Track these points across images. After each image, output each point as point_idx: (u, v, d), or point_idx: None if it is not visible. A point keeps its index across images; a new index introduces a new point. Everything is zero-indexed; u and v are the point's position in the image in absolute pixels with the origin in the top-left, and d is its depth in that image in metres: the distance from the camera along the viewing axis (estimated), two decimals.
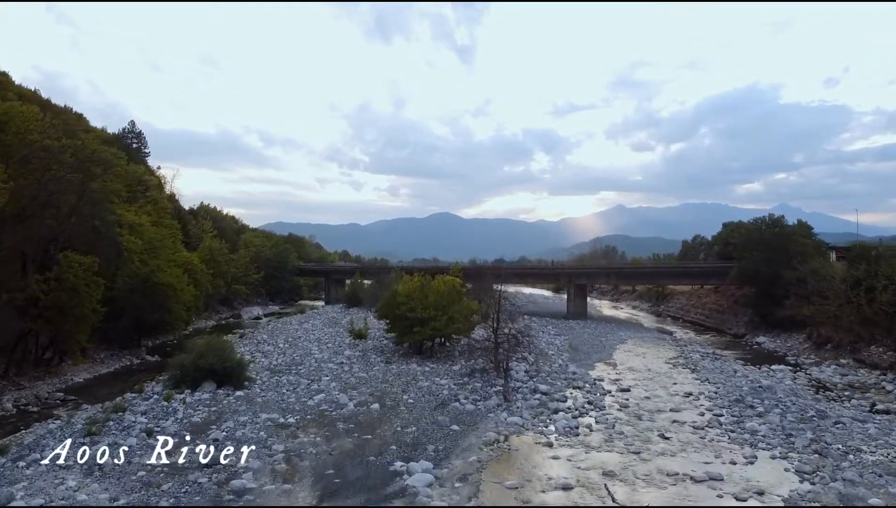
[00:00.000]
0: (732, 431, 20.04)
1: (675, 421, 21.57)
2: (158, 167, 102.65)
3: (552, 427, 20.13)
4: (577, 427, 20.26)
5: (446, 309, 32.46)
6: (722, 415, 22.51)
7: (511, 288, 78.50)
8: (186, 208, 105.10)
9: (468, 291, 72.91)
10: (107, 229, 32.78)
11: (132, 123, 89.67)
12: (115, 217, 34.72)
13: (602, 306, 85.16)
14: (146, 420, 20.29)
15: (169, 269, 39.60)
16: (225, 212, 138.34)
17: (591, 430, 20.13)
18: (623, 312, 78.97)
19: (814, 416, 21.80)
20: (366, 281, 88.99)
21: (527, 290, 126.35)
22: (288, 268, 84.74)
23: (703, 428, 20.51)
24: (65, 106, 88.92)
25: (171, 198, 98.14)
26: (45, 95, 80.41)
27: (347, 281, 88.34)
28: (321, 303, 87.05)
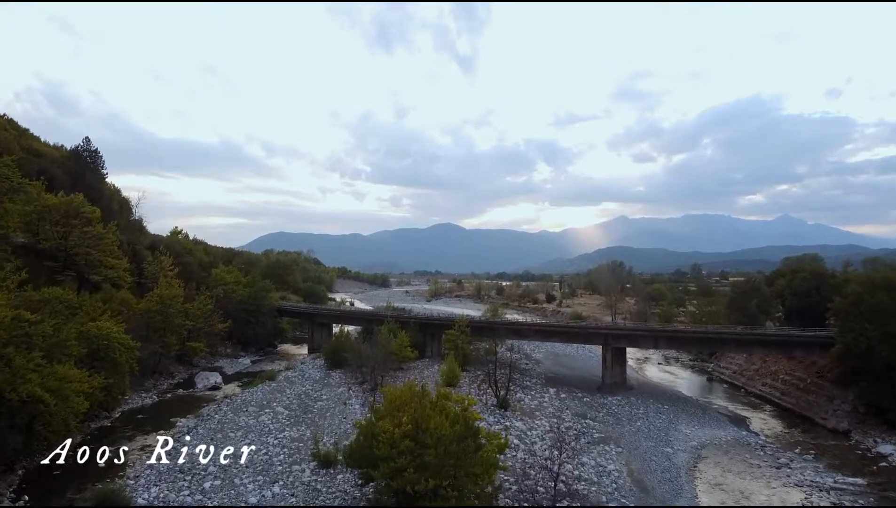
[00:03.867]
0: None
1: None
2: (119, 190, 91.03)
3: None
4: None
5: (455, 465, 19.75)
6: None
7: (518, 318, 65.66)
8: (163, 227, 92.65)
9: (476, 340, 60.59)
10: None
11: (86, 139, 77.46)
12: None
13: (629, 355, 72.04)
14: None
15: (45, 371, 26.87)
16: (198, 238, 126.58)
17: None
18: (659, 368, 66.05)
19: None
20: (354, 327, 76.58)
21: None
22: (264, 311, 71.93)
23: None
24: (3, 115, 77.68)
25: (137, 226, 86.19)
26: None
27: (335, 327, 75.57)
28: (304, 352, 74.16)
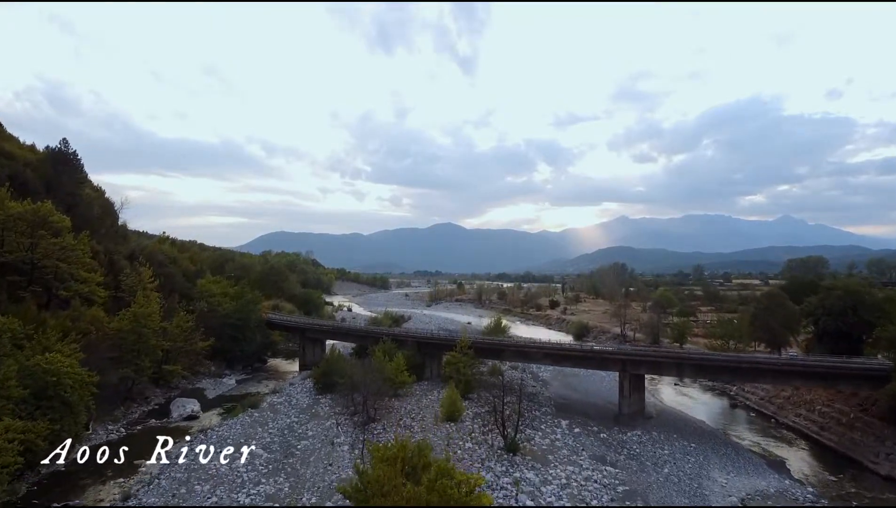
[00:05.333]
0: None
1: None
2: (103, 193, 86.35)
3: None
4: None
5: None
6: None
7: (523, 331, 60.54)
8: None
9: (481, 363, 55.78)
10: None
11: (64, 140, 72.83)
12: None
13: None
14: None
15: None
16: (194, 240, 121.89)
17: None
18: (675, 390, 61.13)
19: None
20: (348, 344, 71.79)
21: (543, 335, 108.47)
22: (251, 325, 67.07)
23: None
24: None
25: (120, 233, 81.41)
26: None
27: (328, 342, 70.85)
28: (295, 369, 69.44)
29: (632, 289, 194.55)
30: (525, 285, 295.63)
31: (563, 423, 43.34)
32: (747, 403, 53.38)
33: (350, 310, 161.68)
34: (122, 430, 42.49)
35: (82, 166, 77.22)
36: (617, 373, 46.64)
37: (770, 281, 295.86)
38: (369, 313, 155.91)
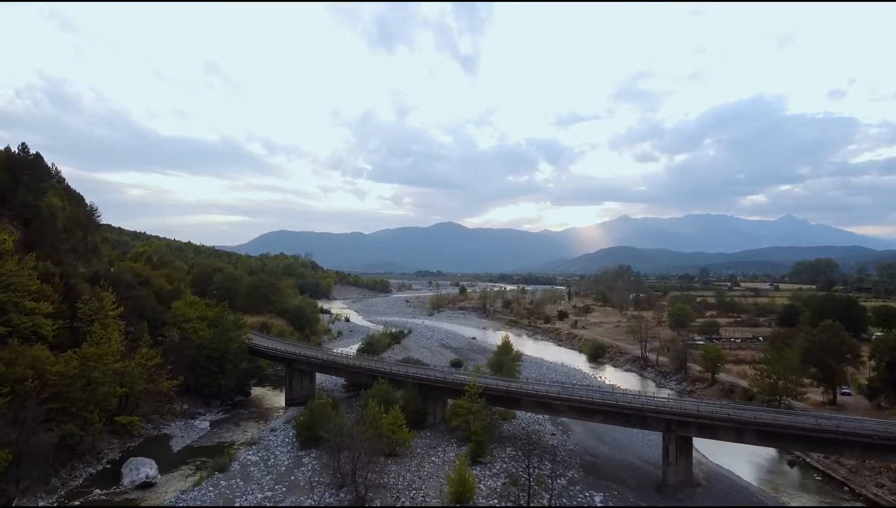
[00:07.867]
0: None
1: None
2: (81, 198, 78.62)
3: None
4: None
5: None
6: None
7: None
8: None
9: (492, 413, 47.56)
10: None
11: (23, 145, 65.06)
12: None
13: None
14: None
15: None
16: (184, 242, 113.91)
17: None
18: None
19: None
20: (339, 379, 63.91)
21: (549, 357, 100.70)
22: (230, 356, 58.98)
23: None
24: None
25: (91, 247, 73.54)
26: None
27: (318, 375, 62.96)
28: (281, 403, 61.64)
29: (642, 295, 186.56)
30: (529, 288, 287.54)
31: (597, 498, 35.45)
32: (808, 461, 45.29)
33: (348, 320, 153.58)
34: (58, 503, 34.61)
35: (50, 173, 69.52)
36: (657, 430, 38.65)
37: (780, 285, 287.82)
38: (369, 324, 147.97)
